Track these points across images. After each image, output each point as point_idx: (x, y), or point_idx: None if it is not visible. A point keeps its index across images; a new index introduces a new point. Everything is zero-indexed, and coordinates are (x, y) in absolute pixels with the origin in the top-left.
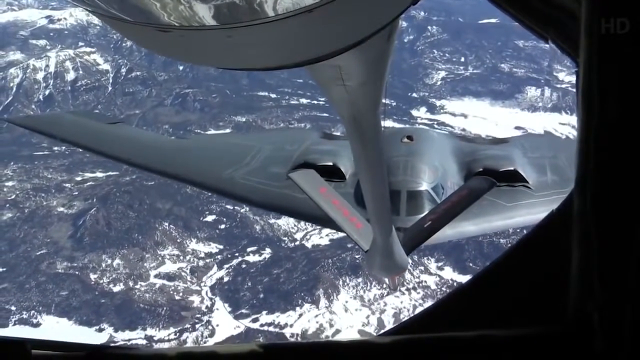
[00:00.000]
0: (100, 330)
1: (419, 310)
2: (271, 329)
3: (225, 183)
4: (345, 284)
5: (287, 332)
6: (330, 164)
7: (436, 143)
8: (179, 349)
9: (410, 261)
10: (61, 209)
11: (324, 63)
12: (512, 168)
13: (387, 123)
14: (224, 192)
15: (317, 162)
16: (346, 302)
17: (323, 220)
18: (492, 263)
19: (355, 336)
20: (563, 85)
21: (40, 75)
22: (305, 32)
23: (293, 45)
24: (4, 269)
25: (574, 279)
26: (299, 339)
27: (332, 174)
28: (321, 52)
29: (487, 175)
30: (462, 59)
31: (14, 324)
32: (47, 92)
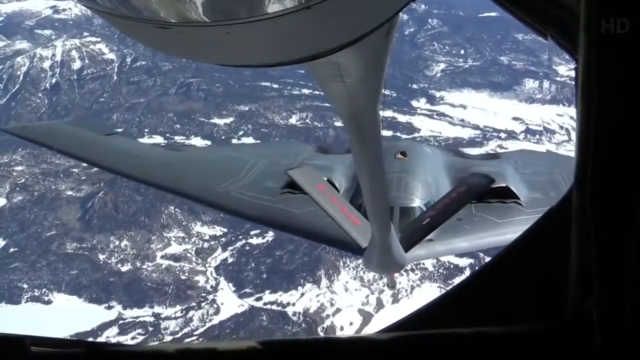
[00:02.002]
0: (110, 307)
1: (416, 290)
2: (274, 307)
3: (219, 197)
4: (346, 265)
5: (289, 310)
6: (325, 179)
7: (429, 159)
8: (177, 345)
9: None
10: (70, 192)
11: (322, 60)
12: (504, 184)
13: (388, 113)
14: (218, 205)
15: None
16: (346, 282)
17: (318, 236)
18: (491, 260)
19: (355, 315)
20: (561, 78)
21: (46, 64)
22: (303, 29)
23: (291, 42)
24: (16, 249)
25: (573, 275)
26: (300, 317)
27: None
28: (320, 49)
29: (479, 192)
30: (462, 52)
31: (26, 301)
32: (53, 80)
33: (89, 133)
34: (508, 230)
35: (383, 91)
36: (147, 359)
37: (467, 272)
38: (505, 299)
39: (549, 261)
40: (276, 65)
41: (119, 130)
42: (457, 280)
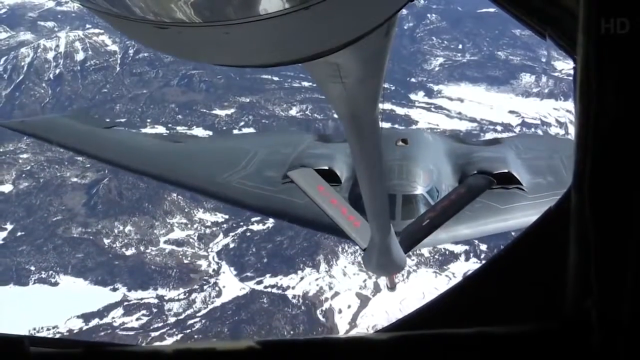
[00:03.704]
0: (115, 289)
1: (412, 275)
2: (274, 290)
3: (221, 187)
4: (344, 250)
5: (289, 293)
6: (326, 167)
7: (430, 146)
8: (175, 345)
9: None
10: (75, 179)
11: (321, 60)
12: (506, 170)
13: (386, 106)
14: (219, 196)
15: (312, 166)
16: (345, 267)
17: (320, 225)
18: (490, 259)
19: (353, 299)
20: (557, 74)
21: (50, 55)
22: (302, 30)
23: (290, 42)
24: (23, 233)
25: (572, 275)
26: (300, 300)
27: (327, 177)
28: (319, 49)
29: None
30: (460, 46)
31: (34, 283)
32: (57, 71)
33: (88, 126)
34: (510, 217)
35: (382, 92)
36: (145, 359)
37: (462, 259)
38: (505, 298)
39: (548, 261)
40: (275, 66)
41: (121, 121)
42: (452, 265)
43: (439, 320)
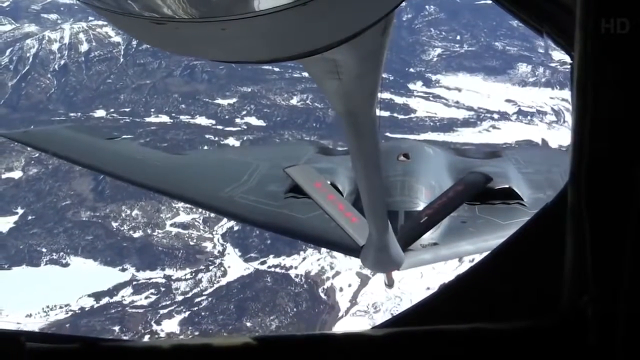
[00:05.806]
0: (124, 270)
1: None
2: (277, 270)
3: (223, 202)
4: None
5: (292, 273)
6: (328, 182)
7: (432, 160)
8: (173, 341)
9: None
10: None
11: (318, 56)
12: (507, 186)
13: (385, 95)
14: (223, 211)
15: None
16: None
17: (323, 241)
18: (487, 256)
19: (354, 278)
20: (555, 64)
21: (55, 47)
22: (300, 25)
23: (288, 39)
24: (33, 217)
25: (568, 272)
26: (302, 279)
27: None
28: (316, 45)
29: (483, 194)
30: (458, 37)
31: (45, 264)
32: (62, 62)
33: (90, 138)
34: (512, 232)
35: (379, 89)
36: (142, 355)
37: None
38: (501, 295)
39: (544, 257)
40: (271, 62)
41: (125, 110)
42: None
43: (435, 316)
